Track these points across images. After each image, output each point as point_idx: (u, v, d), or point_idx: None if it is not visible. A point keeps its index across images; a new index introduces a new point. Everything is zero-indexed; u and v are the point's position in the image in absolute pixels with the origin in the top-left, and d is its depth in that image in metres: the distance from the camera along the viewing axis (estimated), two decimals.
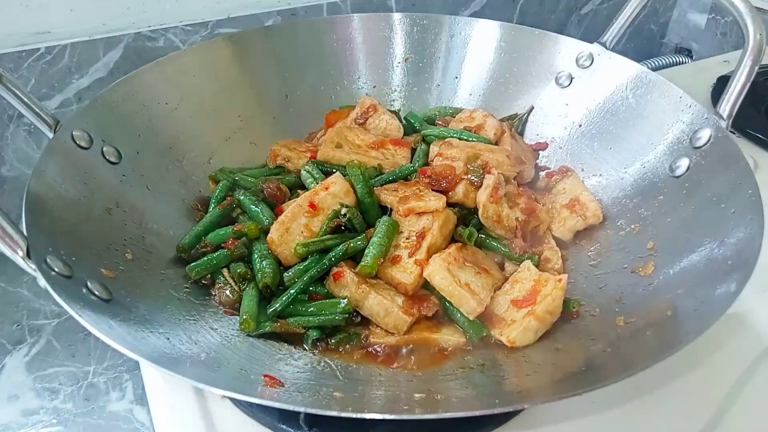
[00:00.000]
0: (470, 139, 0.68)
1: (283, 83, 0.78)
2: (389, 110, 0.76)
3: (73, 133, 0.56)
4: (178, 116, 0.69)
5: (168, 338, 0.47)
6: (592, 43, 0.73)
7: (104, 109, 0.61)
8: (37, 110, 0.55)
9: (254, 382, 0.45)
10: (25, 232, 0.44)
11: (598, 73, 0.71)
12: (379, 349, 0.52)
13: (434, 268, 0.52)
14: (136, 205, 0.59)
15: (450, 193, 0.60)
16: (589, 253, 0.61)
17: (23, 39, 0.75)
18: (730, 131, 0.57)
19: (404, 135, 0.74)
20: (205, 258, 0.57)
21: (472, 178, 0.60)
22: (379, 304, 0.52)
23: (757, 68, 0.57)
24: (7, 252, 0.42)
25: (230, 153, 0.72)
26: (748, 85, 0.57)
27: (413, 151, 0.70)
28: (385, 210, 0.60)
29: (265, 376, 0.44)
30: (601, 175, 0.68)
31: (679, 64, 1.26)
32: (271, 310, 0.53)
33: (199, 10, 0.85)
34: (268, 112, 0.77)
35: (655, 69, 1.21)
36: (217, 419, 0.50)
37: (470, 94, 0.81)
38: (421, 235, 0.55)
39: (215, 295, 0.56)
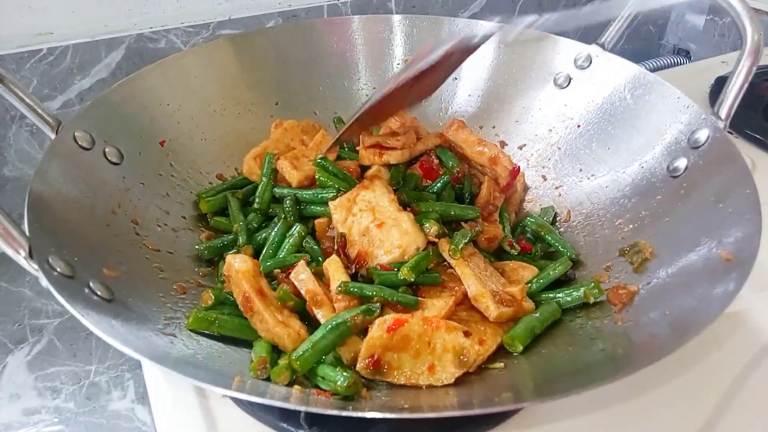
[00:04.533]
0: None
1: (284, 84, 0.78)
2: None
3: (75, 133, 0.56)
4: (180, 117, 0.69)
5: (170, 338, 0.47)
6: (590, 44, 0.73)
7: (106, 110, 0.61)
8: (39, 111, 0.56)
9: (255, 381, 0.45)
10: (27, 232, 0.44)
11: (597, 74, 0.72)
12: None
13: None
14: (137, 206, 0.60)
15: None
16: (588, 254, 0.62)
17: (25, 40, 0.75)
18: (728, 131, 0.58)
19: None
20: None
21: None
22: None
23: (755, 69, 0.57)
24: (10, 252, 0.42)
25: (231, 153, 0.72)
26: (746, 85, 0.57)
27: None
28: None
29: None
30: (599, 175, 0.68)
31: (678, 65, 1.26)
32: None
33: (201, 12, 0.86)
34: (268, 113, 0.77)
35: (653, 70, 1.21)
36: (219, 418, 0.51)
37: (469, 95, 0.81)
38: None
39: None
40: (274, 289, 0.53)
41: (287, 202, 0.62)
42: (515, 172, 0.68)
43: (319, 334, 0.47)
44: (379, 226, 0.55)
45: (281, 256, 0.57)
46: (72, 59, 0.77)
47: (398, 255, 0.54)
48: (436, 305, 0.51)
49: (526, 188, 0.73)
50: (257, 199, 0.64)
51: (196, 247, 0.61)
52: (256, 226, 0.64)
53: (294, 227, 0.59)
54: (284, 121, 0.75)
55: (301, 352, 0.46)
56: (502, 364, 0.48)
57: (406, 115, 0.71)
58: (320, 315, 0.50)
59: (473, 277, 0.52)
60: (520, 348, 0.49)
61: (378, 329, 0.46)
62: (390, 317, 0.46)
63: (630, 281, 0.54)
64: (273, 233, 0.60)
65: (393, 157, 0.64)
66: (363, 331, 0.49)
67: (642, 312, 0.49)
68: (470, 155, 0.70)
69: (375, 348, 0.46)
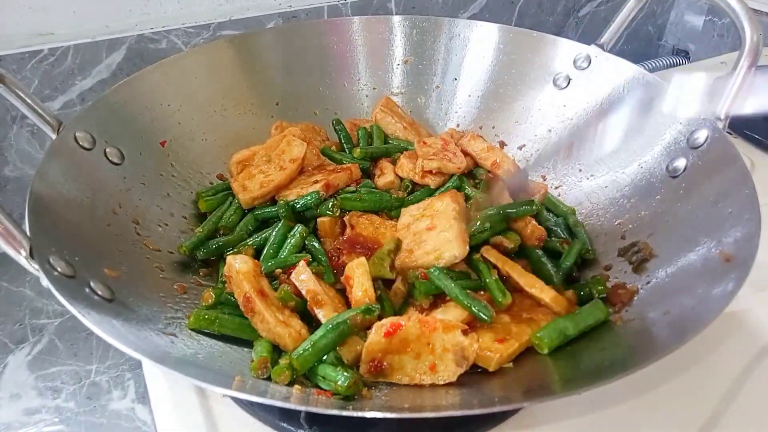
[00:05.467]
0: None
1: (284, 85, 0.79)
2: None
3: (76, 134, 0.56)
4: (180, 117, 0.69)
5: (170, 337, 0.47)
6: (589, 45, 0.73)
7: (107, 111, 0.61)
8: (40, 111, 0.56)
9: (256, 381, 0.45)
10: (28, 232, 0.44)
11: (596, 74, 0.72)
12: None
13: None
14: (138, 206, 0.60)
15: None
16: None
17: (26, 40, 0.75)
18: (727, 132, 0.58)
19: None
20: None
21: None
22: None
23: (753, 69, 0.57)
24: (11, 252, 0.42)
25: (231, 154, 0.72)
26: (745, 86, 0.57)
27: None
28: None
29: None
30: (598, 175, 0.68)
31: (677, 65, 1.27)
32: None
33: (201, 13, 0.86)
34: (269, 114, 0.77)
35: (652, 70, 1.21)
36: (219, 417, 0.51)
37: (469, 96, 0.81)
38: None
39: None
40: (275, 289, 0.53)
41: (281, 205, 0.62)
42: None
43: (319, 333, 0.47)
44: (429, 228, 0.56)
45: (282, 256, 0.57)
46: (73, 60, 0.77)
47: (432, 258, 0.53)
48: (455, 311, 0.51)
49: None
50: (222, 221, 0.63)
51: (183, 244, 0.59)
52: (252, 229, 0.63)
53: (296, 228, 0.59)
54: (287, 123, 0.74)
55: (301, 351, 0.46)
56: (511, 364, 0.48)
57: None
58: (321, 315, 0.50)
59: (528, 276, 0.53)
60: (545, 350, 0.48)
61: (376, 334, 0.46)
62: (387, 321, 0.46)
63: (630, 281, 0.54)
64: (273, 234, 0.60)
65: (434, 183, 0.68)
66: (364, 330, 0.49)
67: (641, 312, 0.49)
68: (479, 162, 0.73)
69: (375, 353, 0.46)
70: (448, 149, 0.70)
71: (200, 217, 0.66)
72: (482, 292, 0.53)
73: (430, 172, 0.66)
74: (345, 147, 0.75)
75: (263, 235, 0.61)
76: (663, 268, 0.52)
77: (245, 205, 0.64)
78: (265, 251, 0.59)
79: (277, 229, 0.60)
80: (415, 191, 0.67)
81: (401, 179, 0.69)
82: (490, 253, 0.56)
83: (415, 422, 0.48)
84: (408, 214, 0.61)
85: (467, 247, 0.53)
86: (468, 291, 0.51)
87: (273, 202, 0.66)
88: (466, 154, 0.72)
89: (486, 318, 0.49)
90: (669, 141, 0.61)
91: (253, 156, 0.68)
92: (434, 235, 0.55)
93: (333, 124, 0.78)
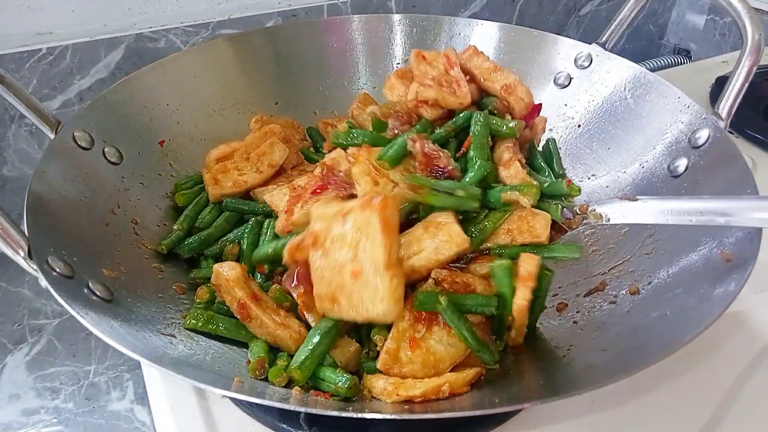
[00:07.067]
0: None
1: (283, 84, 0.78)
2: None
3: (75, 133, 0.56)
4: (179, 117, 0.69)
5: (169, 338, 0.47)
6: (590, 43, 0.73)
7: (105, 110, 0.61)
8: (38, 111, 0.56)
9: (255, 382, 0.45)
10: (26, 233, 0.44)
11: (597, 73, 0.72)
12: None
13: None
14: (136, 206, 0.60)
15: None
16: (588, 253, 0.62)
17: (25, 40, 0.75)
18: (729, 131, 0.58)
19: None
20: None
21: None
22: None
23: (755, 69, 0.57)
24: (9, 252, 0.42)
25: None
26: (747, 85, 0.57)
27: None
28: None
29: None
30: (599, 175, 0.68)
31: (678, 64, 1.26)
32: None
33: (200, 12, 0.85)
34: (268, 113, 0.77)
35: (653, 70, 1.21)
36: (218, 419, 0.50)
37: None
38: None
39: None
40: (264, 289, 0.52)
41: (254, 220, 0.60)
42: (535, 108, 0.57)
43: (314, 340, 0.46)
44: (354, 274, 0.41)
45: (267, 252, 0.54)
46: (71, 59, 0.77)
47: (360, 319, 0.42)
48: (459, 344, 0.45)
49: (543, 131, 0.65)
50: (198, 220, 0.61)
51: (162, 242, 0.58)
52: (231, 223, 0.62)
53: (266, 222, 0.58)
54: (267, 117, 0.72)
55: (302, 360, 0.45)
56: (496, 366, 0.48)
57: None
58: (311, 319, 0.50)
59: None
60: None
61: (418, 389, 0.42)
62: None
63: (630, 281, 0.54)
64: (245, 236, 0.58)
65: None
66: (355, 330, 0.49)
67: (643, 312, 0.49)
68: (483, 84, 0.58)
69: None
70: (452, 75, 0.55)
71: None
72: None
73: (426, 102, 0.53)
74: (319, 149, 0.72)
75: (235, 233, 0.60)
76: (664, 268, 0.52)
77: (213, 199, 0.62)
78: (244, 253, 0.58)
79: (248, 229, 0.59)
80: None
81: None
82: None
83: (416, 423, 0.48)
84: (321, 220, 0.44)
85: (401, 306, 0.42)
86: (474, 330, 0.45)
87: (244, 196, 0.64)
88: (467, 74, 0.57)
89: (490, 364, 0.47)
90: (670, 140, 0.61)
91: (232, 153, 0.66)
92: (359, 285, 0.41)
93: (307, 131, 0.76)
